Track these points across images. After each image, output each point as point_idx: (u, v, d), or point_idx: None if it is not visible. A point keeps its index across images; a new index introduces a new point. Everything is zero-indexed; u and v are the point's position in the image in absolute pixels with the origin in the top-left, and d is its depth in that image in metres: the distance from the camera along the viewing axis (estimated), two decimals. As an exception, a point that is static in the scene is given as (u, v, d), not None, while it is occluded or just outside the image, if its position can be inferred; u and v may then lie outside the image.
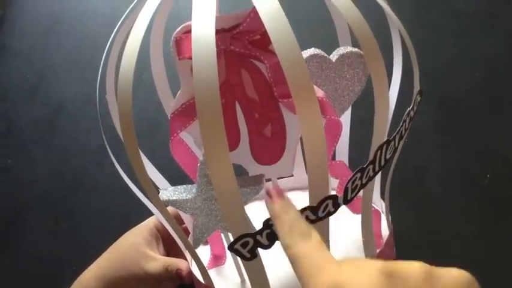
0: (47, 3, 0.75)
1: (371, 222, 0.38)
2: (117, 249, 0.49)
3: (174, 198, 0.38)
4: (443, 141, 0.57)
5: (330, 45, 0.45)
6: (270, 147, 0.41)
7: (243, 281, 0.43)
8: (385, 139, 0.34)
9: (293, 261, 0.28)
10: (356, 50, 0.43)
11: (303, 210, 0.32)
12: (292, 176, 0.55)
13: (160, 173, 0.46)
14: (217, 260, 0.46)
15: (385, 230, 0.44)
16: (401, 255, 0.53)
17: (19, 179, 0.65)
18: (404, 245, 0.54)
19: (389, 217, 0.45)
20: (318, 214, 0.33)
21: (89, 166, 0.64)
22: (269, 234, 0.33)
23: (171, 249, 0.51)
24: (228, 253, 0.47)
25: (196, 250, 0.50)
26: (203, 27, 0.29)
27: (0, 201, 0.65)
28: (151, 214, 0.51)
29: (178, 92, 0.39)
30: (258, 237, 0.33)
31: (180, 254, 0.49)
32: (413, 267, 0.24)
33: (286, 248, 0.29)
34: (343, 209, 0.46)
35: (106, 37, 0.39)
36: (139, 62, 0.45)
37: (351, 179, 0.33)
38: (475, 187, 0.55)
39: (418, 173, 0.56)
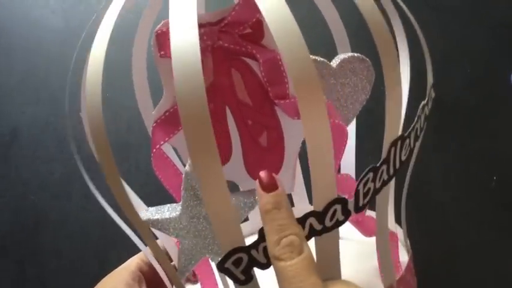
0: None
1: (388, 243, 0.32)
2: None
3: (155, 217, 0.33)
4: (443, 144, 0.52)
5: (327, 55, 0.41)
6: (267, 159, 0.36)
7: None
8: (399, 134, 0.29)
9: (279, 275, 0.26)
10: (358, 54, 0.39)
11: (306, 216, 0.27)
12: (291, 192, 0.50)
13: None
14: (209, 297, 0.40)
15: (403, 256, 0.38)
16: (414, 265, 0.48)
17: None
18: (415, 253, 0.48)
19: (408, 241, 0.39)
20: (324, 222, 0.27)
21: (54, 200, 0.57)
22: (267, 248, 0.27)
23: (157, 291, 0.45)
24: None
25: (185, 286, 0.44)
26: (183, 14, 0.25)
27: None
28: (132, 252, 0.45)
29: (162, 99, 0.35)
30: (253, 252, 0.27)
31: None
32: None
33: (272, 257, 0.27)
34: (355, 232, 0.41)
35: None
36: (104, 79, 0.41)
37: (362, 179, 0.28)
38: (482, 191, 0.50)
39: (421, 180, 0.51)
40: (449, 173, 0.51)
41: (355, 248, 0.41)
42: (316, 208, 0.27)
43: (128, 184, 0.39)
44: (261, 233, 0.27)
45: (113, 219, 0.49)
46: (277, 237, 0.27)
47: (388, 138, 0.29)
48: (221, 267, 0.28)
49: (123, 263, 0.46)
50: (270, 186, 0.28)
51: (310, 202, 0.52)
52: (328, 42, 0.40)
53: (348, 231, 0.43)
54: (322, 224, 0.27)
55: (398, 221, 0.40)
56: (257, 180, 0.29)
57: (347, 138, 0.37)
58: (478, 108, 0.53)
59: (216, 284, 0.41)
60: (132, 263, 0.45)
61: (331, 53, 0.40)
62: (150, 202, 0.38)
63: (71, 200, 0.55)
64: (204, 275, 0.40)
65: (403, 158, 0.31)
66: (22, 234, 0.57)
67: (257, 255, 0.28)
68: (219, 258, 0.33)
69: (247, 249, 0.27)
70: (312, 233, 0.28)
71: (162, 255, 0.34)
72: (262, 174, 0.29)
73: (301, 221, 0.27)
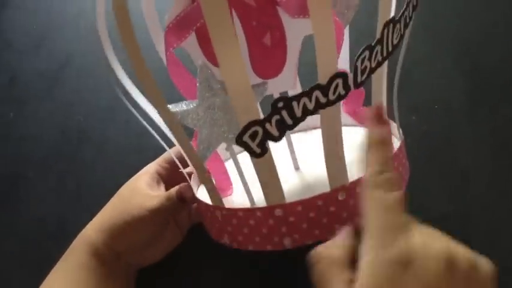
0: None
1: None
2: (119, 197, 0.47)
3: (176, 109, 0.36)
4: (475, 111, 0.56)
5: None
6: (271, 57, 0.39)
7: (252, 205, 0.41)
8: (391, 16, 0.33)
9: (371, 202, 0.30)
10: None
11: (312, 89, 0.30)
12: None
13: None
14: (222, 192, 0.44)
15: (396, 143, 0.42)
16: (430, 225, 0.51)
17: (21, 134, 0.63)
18: (433, 215, 0.52)
19: (401, 131, 0.43)
20: (328, 95, 0.31)
21: (97, 123, 0.61)
22: (279, 121, 0.31)
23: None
24: (234, 184, 0.45)
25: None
26: None
27: (1, 157, 0.62)
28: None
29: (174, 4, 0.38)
30: (267, 125, 0.31)
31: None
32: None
33: (371, 184, 0.30)
34: (351, 122, 0.45)
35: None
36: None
37: (359, 55, 0.31)
38: (508, 160, 0.53)
39: (448, 142, 0.55)
40: (477, 140, 0.55)
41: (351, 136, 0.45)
42: (321, 82, 0.30)
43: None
44: (274, 105, 0.31)
45: (147, 146, 0.53)
46: (380, 168, 0.30)
47: (381, 20, 0.32)
48: (239, 141, 0.31)
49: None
50: (380, 120, 0.32)
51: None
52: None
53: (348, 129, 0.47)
54: (326, 97, 0.31)
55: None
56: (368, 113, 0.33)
57: (343, 35, 0.40)
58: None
59: (227, 175, 0.45)
60: (150, 167, 0.49)
61: None
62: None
63: (112, 125, 0.59)
64: (216, 171, 0.44)
65: (395, 41, 0.34)
66: (65, 150, 0.61)
67: (271, 129, 0.31)
68: (233, 145, 0.37)
69: (262, 123, 0.31)
70: (317, 105, 0.31)
71: (182, 135, 0.37)
72: (374, 109, 0.33)
73: (308, 93, 0.30)
